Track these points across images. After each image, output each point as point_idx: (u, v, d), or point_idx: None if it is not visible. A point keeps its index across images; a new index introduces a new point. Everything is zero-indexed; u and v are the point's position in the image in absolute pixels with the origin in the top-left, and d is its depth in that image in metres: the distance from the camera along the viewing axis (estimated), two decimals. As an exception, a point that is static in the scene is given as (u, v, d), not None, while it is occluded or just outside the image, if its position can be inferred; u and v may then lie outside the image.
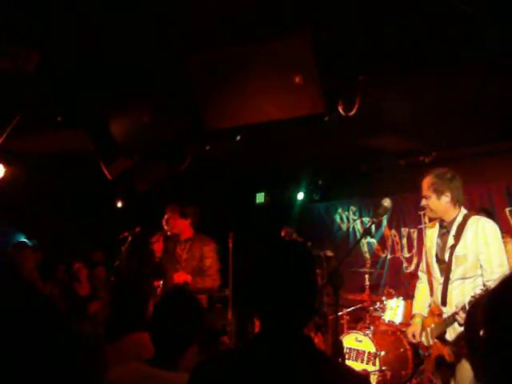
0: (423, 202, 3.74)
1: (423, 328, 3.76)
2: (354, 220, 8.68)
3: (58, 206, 8.58)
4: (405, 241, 7.88)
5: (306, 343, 1.67)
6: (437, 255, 3.76)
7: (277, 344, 1.62)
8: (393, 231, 8.04)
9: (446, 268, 3.63)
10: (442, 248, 3.72)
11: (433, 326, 3.67)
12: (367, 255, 8.32)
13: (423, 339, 3.75)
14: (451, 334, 3.52)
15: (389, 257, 8.08)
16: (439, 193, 3.63)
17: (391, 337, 6.15)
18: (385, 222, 8.06)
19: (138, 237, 6.39)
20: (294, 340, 1.64)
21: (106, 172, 5.22)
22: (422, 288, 3.99)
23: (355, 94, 4.31)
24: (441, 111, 5.38)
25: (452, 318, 3.42)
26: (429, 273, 3.87)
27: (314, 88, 3.79)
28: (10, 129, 5.58)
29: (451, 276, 3.58)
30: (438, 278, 3.71)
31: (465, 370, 3.37)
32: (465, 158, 6.72)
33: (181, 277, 5.41)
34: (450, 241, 3.64)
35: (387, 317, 6.18)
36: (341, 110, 4.40)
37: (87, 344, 1.86)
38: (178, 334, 2.40)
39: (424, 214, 7.48)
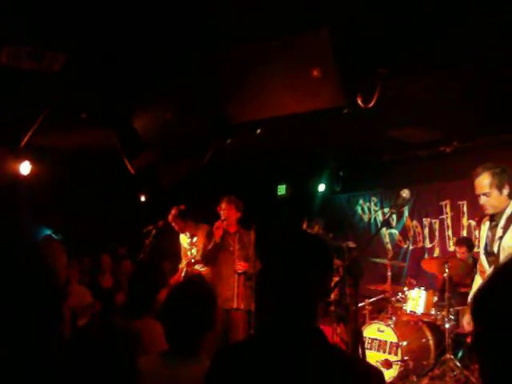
0: (482, 201, 3.71)
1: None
2: (376, 211, 8.68)
3: (82, 201, 8.73)
4: (426, 231, 7.87)
5: (317, 335, 1.66)
6: (486, 248, 3.78)
7: (286, 335, 1.63)
8: (414, 222, 8.03)
9: (495, 260, 3.63)
10: (491, 240, 3.73)
11: None
12: (389, 246, 8.33)
13: (468, 325, 3.79)
14: None
15: (411, 247, 8.08)
16: (501, 187, 3.64)
17: (413, 327, 6.17)
18: (406, 213, 8.06)
19: (161, 230, 6.52)
20: (302, 331, 1.64)
21: (129, 167, 5.33)
22: (476, 280, 4.03)
23: (375, 87, 4.34)
24: (462, 101, 5.36)
25: None
26: (480, 265, 3.90)
27: (333, 81, 3.82)
28: (36, 126, 5.72)
29: None
30: (487, 270, 3.71)
31: None
32: (486, 148, 6.68)
33: (242, 265, 5.77)
34: (499, 232, 3.65)
35: (409, 307, 6.19)
36: (360, 103, 4.43)
37: (125, 336, 1.94)
38: (192, 319, 2.42)
39: (446, 205, 7.48)
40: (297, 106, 4.19)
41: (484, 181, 3.68)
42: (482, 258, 3.78)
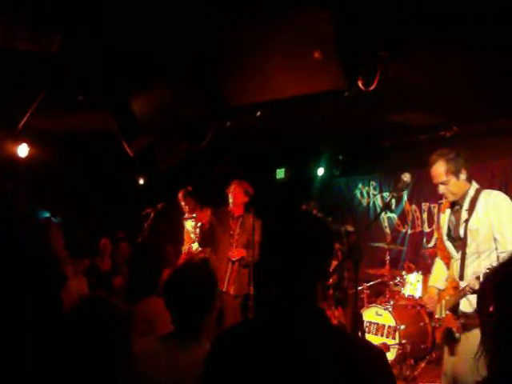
0: (442, 190, 3.66)
1: (439, 300, 3.79)
2: (375, 195, 8.67)
3: (81, 184, 8.71)
4: (425, 216, 7.87)
5: (319, 315, 1.65)
6: (449, 233, 3.73)
7: (289, 316, 1.61)
8: (413, 206, 8.02)
9: (462, 244, 3.60)
10: (456, 224, 3.67)
11: (447, 297, 3.69)
12: (387, 230, 8.33)
13: (437, 310, 3.78)
14: (467, 306, 3.51)
15: (409, 232, 8.07)
16: (457, 173, 3.58)
17: (411, 311, 6.20)
18: (405, 197, 8.04)
19: (160, 213, 6.52)
20: (303, 312, 1.62)
21: (128, 149, 5.29)
22: (437, 263, 4.02)
23: (376, 70, 4.30)
24: (463, 86, 5.32)
25: (465, 290, 3.45)
26: (441, 250, 3.90)
27: (334, 63, 3.77)
28: (34, 108, 5.67)
29: (467, 251, 3.55)
30: (454, 255, 3.69)
31: (468, 342, 3.39)
32: (486, 132, 6.65)
33: (236, 253, 5.78)
34: (464, 215, 3.59)
35: (407, 291, 6.22)
36: (361, 86, 4.39)
37: (120, 317, 1.94)
38: (191, 302, 2.41)
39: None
40: (297, 88, 4.14)
41: (439, 168, 3.64)
42: (447, 244, 3.74)
